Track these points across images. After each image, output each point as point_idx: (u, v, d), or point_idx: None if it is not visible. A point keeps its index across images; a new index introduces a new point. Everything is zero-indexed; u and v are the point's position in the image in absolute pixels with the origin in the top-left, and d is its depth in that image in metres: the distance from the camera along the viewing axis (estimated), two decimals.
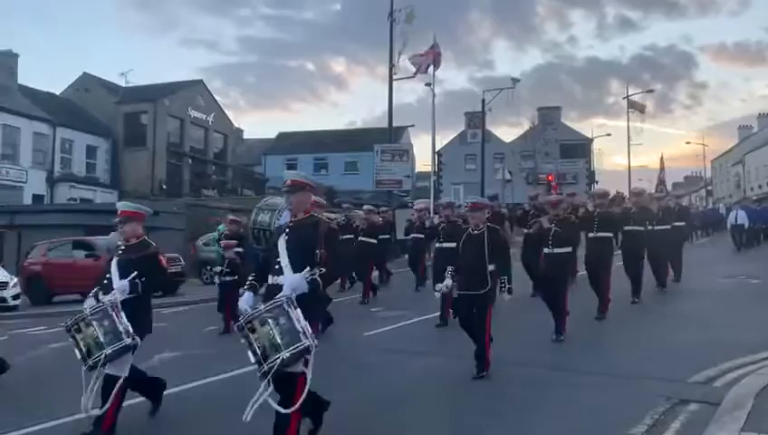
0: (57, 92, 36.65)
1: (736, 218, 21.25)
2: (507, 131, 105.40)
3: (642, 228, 11.03)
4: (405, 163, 31.02)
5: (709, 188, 62.03)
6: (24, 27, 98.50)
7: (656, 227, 11.80)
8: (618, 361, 6.95)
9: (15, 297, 15.22)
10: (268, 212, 6.85)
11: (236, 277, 9.91)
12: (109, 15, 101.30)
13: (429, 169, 35.30)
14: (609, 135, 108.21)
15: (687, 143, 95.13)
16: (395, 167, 30.47)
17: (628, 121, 44.34)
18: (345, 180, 41.03)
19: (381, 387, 6.01)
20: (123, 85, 37.50)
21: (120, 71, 77.47)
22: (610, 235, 9.85)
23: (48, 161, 31.38)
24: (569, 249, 8.27)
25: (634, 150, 68.79)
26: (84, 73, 37.55)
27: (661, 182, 45.78)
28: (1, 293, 14.59)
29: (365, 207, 14.94)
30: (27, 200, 29.39)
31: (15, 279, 15.63)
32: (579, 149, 50.94)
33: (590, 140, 50.82)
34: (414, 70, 26.07)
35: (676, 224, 13.06)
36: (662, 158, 47.54)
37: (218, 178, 39.03)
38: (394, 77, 28.49)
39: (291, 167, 45.19)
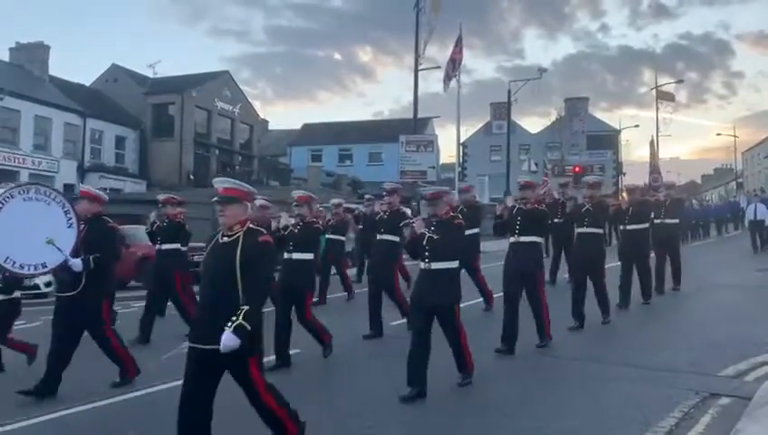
0: (87, 84, 37.22)
1: (755, 213, 18.40)
2: (536, 122, 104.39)
3: (599, 230, 8.68)
4: (430, 154, 30.98)
5: (740, 180, 60.82)
6: (54, 19, 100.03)
7: (627, 227, 9.81)
8: (647, 353, 6.88)
9: (48, 284, 15.55)
10: None
11: (11, 296, 7.08)
12: (138, 6, 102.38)
13: (454, 160, 35.25)
14: (637, 126, 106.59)
15: (718, 135, 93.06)
16: (420, 158, 30.44)
17: (657, 112, 43.67)
18: (369, 171, 41.10)
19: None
20: (151, 76, 37.95)
21: (149, 62, 78.69)
22: (539, 239, 7.29)
23: (78, 151, 31.92)
24: (450, 264, 5.65)
25: (664, 142, 67.35)
26: (113, 65, 38.06)
27: (654, 171, 40.04)
28: (34, 280, 14.90)
29: (258, 202, 9.56)
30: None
31: None
32: (606, 140, 50.24)
33: (618, 132, 50.12)
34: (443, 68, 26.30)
35: (667, 221, 11.01)
36: (652, 142, 42.08)
37: (244, 168, 39.33)
38: (420, 67, 28.43)
39: (315, 158, 45.54)
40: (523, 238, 7.13)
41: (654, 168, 39.01)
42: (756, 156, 60.24)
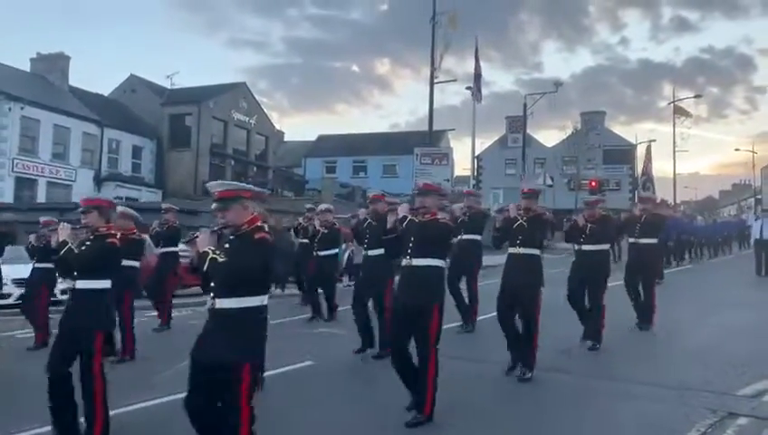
0: (105, 94, 37.73)
1: (761, 232, 16.79)
2: (553, 135, 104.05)
3: (534, 251, 6.66)
4: (445, 167, 31.01)
5: (758, 196, 60.16)
6: (74, 30, 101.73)
7: (582, 248, 8.16)
8: (664, 372, 6.79)
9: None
10: None
11: None
12: (157, 17, 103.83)
13: (469, 173, 35.28)
14: (653, 141, 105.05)
15: (737, 150, 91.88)
16: (434, 170, 30.44)
17: (674, 127, 43.55)
18: (384, 184, 41.06)
19: None
20: (169, 87, 38.41)
21: (167, 72, 79.64)
22: (439, 263, 5.23)
23: (96, 161, 32.33)
24: (242, 302, 3.69)
25: (682, 157, 66.89)
26: (131, 75, 38.61)
27: (649, 179, 36.59)
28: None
29: (119, 209, 8.09)
30: (75, 199, 30.30)
31: None
32: (623, 154, 50.08)
33: (635, 146, 49.90)
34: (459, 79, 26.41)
35: (641, 241, 9.33)
36: (649, 148, 40.39)
37: (259, 179, 39.60)
38: (436, 80, 28.54)
39: (330, 169, 45.81)
40: (416, 261, 5.14)
41: (648, 177, 37.66)
42: None
